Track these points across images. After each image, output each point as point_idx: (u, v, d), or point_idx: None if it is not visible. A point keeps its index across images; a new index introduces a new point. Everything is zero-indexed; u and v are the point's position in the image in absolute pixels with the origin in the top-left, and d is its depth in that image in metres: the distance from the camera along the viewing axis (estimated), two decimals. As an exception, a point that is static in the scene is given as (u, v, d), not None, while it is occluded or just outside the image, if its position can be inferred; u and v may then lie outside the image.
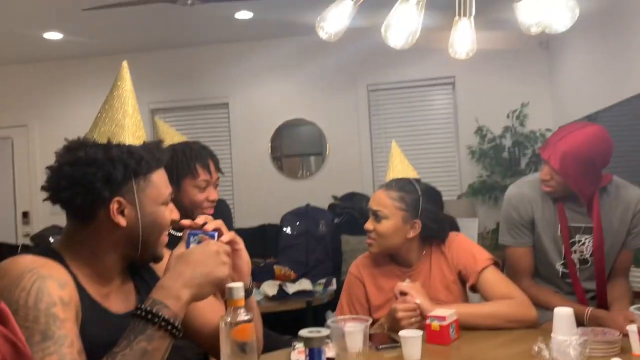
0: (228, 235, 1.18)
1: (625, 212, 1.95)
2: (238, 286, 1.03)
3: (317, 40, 1.59)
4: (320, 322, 3.44)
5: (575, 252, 1.97)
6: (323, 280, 3.83)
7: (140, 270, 1.22)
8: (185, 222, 1.17)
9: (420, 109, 5.13)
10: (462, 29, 1.55)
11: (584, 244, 1.96)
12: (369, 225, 1.84)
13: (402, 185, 1.85)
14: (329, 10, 1.46)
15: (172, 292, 1.04)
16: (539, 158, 2.58)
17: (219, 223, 1.18)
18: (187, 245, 1.14)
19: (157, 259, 1.17)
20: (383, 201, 1.82)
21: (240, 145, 5.30)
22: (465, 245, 1.86)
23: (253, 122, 5.28)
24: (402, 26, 1.35)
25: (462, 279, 1.84)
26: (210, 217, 1.18)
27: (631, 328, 1.35)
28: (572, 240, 1.97)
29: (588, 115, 3.47)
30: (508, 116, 4.81)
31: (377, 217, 1.81)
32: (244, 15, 4.50)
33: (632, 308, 1.31)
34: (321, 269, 4.24)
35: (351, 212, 4.69)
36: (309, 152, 5.33)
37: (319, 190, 5.05)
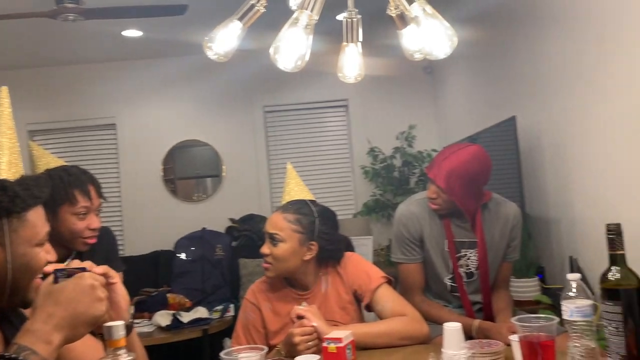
0: (100, 268, 1.09)
1: (504, 227, 2.09)
2: (117, 325, 0.94)
3: (210, 60, 1.54)
4: (218, 350, 3.32)
5: (462, 266, 2.07)
6: (220, 307, 3.71)
7: (8, 314, 1.09)
8: (49, 268, 1.06)
9: (316, 130, 5.22)
10: (350, 54, 1.59)
11: (469, 258, 2.07)
12: (265, 249, 1.80)
13: (298, 207, 1.84)
14: (217, 30, 1.43)
15: (42, 336, 0.93)
16: (426, 177, 2.72)
17: (87, 264, 1.09)
18: (55, 281, 1.02)
19: (27, 304, 1.04)
20: (279, 224, 1.80)
21: (129, 167, 5.05)
22: (360, 264, 1.88)
23: (143, 143, 5.07)
24: (291, 49, 1.35)
25: (357, 299, 1.85)
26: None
27: (513, 338, 1.42)
28: (459, 254, 2.07)
29: (469, 136, 3.71)
30: (397, 137, 5.03)
31: (274, 241, 1.79)
32: (132, 33, 4.33)
33: (513, 319, 1.39)
34: (218, 295, 4.11)
35: (249, 234, 4.62)
36: (204, 174, 5.20)
37: (215, 213, 4.93)
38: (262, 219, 4.70)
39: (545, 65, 2.93)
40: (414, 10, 1.31)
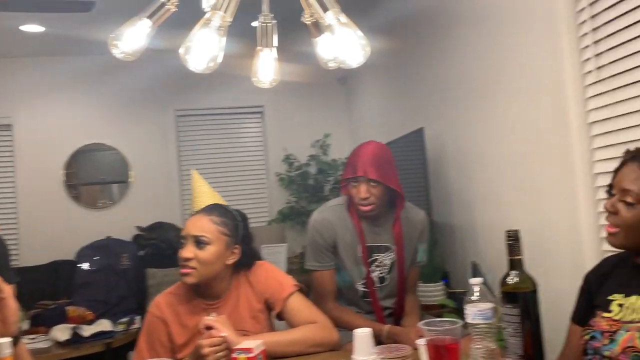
0: None
1: (413, 232, 2.16)
2: (4, 342, 0.86)
3: (119, 60, 1.46)
4: (122, 365, 3.16)
5: (374, 271, 2.11)
6: (125, 319, 3.53)
7: None
8: None
9: (230, 136, 5.14)
10: (265, 58, 1.57)
11: (382, 263, 2.12)
12: (188, 253, 1.71)
13: (223, 210, 1.79)
14: (124, 28, 1.36)
15: None
16: (339, 184, 2.77)
17: None
18: None
19: None
20: (206, 226, 1.73)
21: (27, 172, 4.70)
22: (271, 273, 1.86)
23: (43, 146, 4.74)
24: (202, 50, 1.31)
25: (268, 307, 1.83)
26: None
27: (420, 342, 1.46)
28: (371, 259, 2.10)
29: (381, 145, 3.81)
30: (313, 145, 5.07)
31: (200, 244, 1.71)
32: (32, 28, 4.04)
33: (420, 323, 1.42)
34: (123, 307, 3.91)
35: (157, 243, 4.44)
36: (110, 179, 4.94)
37: (121, 221, 4.69)
38: (172, 227, 4.55)
39: (450, 77, 3.07)
40: (329, 18, 1.31)
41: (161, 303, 1.79)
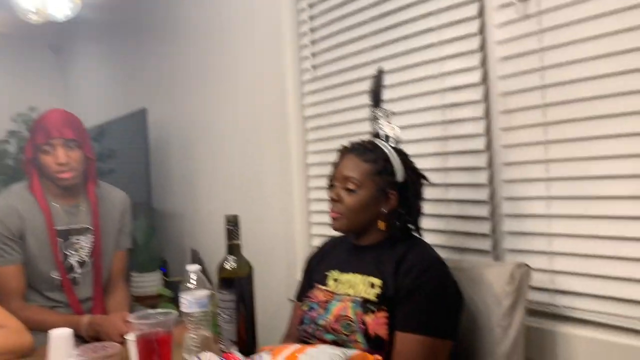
0: None
1: (113, 212, 1.99)
2: None
3: None
4: None
5: (72, 255, 1.88)
6: None
7: None
8: None
9: None
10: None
11: (81, 246, 1.89)
12: None
13: None
14: None
15: None
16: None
17: None
18: None
19: None
20: None
21: None
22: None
23: None
24: None
25: None
26: None
27: (129, 337, 1.34)
28: (68, 242, 1.86)
29: (99, 125, 3.47)
30: (14, 120, 4.34)
31: None
32: None
33: (130, 317, 1.30)
34: None
35: None
36: None
37: None
38: None
39: (179, 60, 2.97)
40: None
41: None
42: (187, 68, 2.90)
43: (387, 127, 1.38)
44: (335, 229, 1.35)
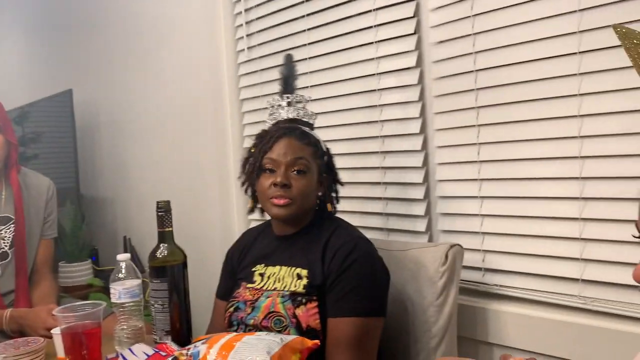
0: None
1: (39, 200, 1.91)
2: None
3: None
4: None
5: None
6: None
7: None
8: None
9: None
10: None
11: (2, 237, 1.79)
12: None
13: None
14: None
15: None
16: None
17: None
18: None
19: None
20: None
21: None
22: None
23: None
24: None
25: None
26: None
27: (55, 331, 1.27)
28: None
29: (20, 106, 3.26)
30: None
31: None
32: None
33: (55, 310, 1.23)
34: None
35: None
36: None
37: None
38: None
39: (107, 38, 2.82)
40: None
41: None
42: (116, 47, 2.76)
43: (306, 113, 1.36)
44: (283, 217, 1.26)
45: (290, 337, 1.07)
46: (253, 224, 2.09)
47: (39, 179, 1.95)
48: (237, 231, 2.13)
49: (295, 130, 1.29)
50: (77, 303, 1.25)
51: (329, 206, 1.33)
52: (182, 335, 1.26)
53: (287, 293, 1.21)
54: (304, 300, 1.19)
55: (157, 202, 1.25)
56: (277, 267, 1.27)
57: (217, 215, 2.23)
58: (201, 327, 1.42)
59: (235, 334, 1.10)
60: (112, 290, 1.23)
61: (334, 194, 1.35)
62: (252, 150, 1.31)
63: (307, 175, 1.25)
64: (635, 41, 0.57)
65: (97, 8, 2.87)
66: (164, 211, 1.25)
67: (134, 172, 2.73)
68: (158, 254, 1.26)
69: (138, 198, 2.71)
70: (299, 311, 1.18)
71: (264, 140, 1.29)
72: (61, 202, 2.25)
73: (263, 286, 1.26)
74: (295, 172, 1.24)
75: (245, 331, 1.23)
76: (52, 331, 1.31)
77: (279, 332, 1.17)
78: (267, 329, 1.19)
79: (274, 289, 1.23)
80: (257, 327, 1.21)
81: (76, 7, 3.05)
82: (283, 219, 1.27)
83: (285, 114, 1.34)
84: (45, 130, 3.11)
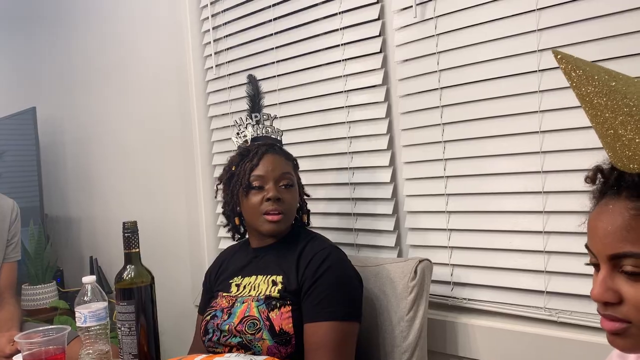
0: None
1: (2, 223, 1.86)
2: None
3: None
4: None
5: None
6: None
7: None
8: None
9: None
10: None
11: None
12: None
13: None
14: None
15: None
16: None
17: None
18: None
19: None
20: None
21: None
22: None
23: None
24: None
25: None
26: None
27: (17, 358, 1.23)
28: None
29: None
30: None
31: None
32: None
33: (18, 336, 1.19)
34: None
35: None
36: None
37: None
38: None
39: (71, 54, 2.78)
40: None
41: None
42: (81, 64, 2.72)
43: (274, 130, 1.42)
44: (277, 232, 1.30)
45: (261, 358, 1.06)
46: (222, 243, 2.08)
47: (1, 200, 1.90)
48: (206, 250, 2.11)
49: (274, 146, 1.34)
50: (41, 328, 1.22)
51: (304, 217, 1.39)
52: (150, 358, 1.24)
53: (262, 297, 1.23)
54: (278, 304, 1.21)
55: (124, 223, 1.23)
56: (253, 277, 1.30)
57: (185, 235, 2.21)
58: (170, 348, 1.40)
59: (204, 355, 1.08)
60: (77, 314, 1.20)
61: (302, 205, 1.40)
62: (234, 169, 1.32)
63: (293, 189, 1.32)
64: (570, 65, 0.59)
65: (61, 25, 2.83)
66: (130, 232, 1.23)
67: (100, 191, 2.68)
68: (124, 276, 1.23)
69: (104, 217, 2.66)
70: (273, 314, 1.20)
71: (247, 159, 1.31)
72: (25, 222, 2.18)
73: (239, 294, 1.28)
74: (283, 187, 1.29)
75: (220, 337, 1.25)
76: (13, 358, 1.27)
77: (252, 335, 1.19)
78: (241, 332, 1.21)
79: (249, 296, 1.26)
80: (232, 332, 1.23)
81: (39, 23, 3.01)
82: (276, 233, 1.30)
83: (253, 131, 1.37)
84: (8, 149, 3.03)
